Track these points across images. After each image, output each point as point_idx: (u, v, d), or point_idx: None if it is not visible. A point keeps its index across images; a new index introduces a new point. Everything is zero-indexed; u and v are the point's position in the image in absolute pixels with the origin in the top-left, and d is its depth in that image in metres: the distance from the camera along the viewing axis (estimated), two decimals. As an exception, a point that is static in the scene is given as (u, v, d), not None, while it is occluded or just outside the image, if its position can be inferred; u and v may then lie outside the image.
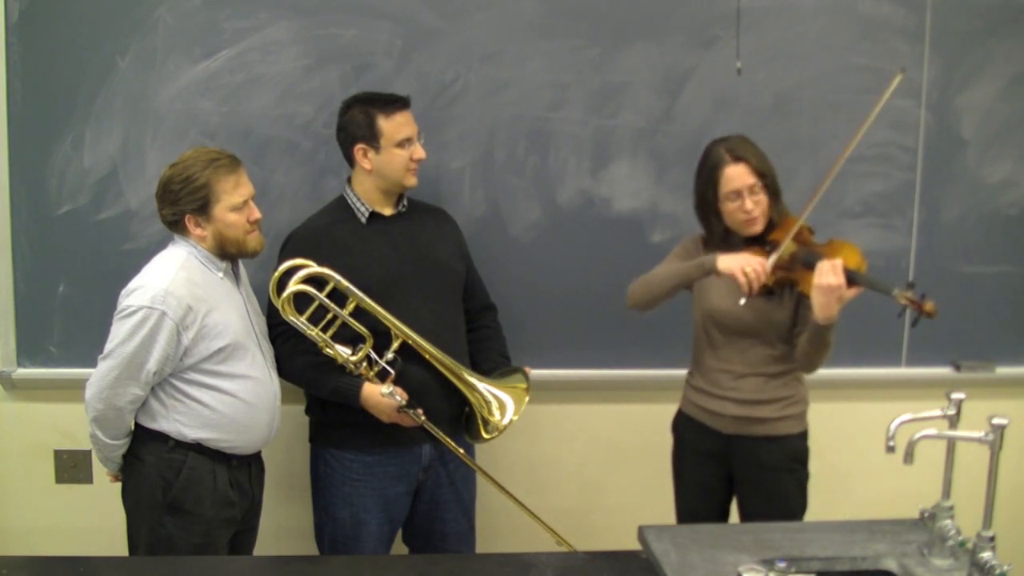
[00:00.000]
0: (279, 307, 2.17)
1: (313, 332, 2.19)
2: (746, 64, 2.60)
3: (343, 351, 2.21)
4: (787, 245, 2.17)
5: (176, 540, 2.09)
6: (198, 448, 2.11)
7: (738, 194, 2.19)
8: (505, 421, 2.26)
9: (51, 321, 2.61)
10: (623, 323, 2.58)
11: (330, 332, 2.20)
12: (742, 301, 2.13)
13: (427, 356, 2.25)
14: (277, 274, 2.19)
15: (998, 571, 1.52)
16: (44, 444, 2.70)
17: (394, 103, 2.28)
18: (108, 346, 2.04)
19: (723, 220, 2.25)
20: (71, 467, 2.71)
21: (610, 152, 2.68)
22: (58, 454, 2.71)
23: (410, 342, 2.23)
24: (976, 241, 2.82)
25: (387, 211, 2.37)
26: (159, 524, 2.09)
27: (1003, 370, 2.88)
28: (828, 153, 2.72)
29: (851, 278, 2.04)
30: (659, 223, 2.70)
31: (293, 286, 2.16)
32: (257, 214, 2.16)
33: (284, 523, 2.67)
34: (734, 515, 2.43)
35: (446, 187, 2.64)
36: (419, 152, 2.31)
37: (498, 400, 2.28)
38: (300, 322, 2.18)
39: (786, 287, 2.22)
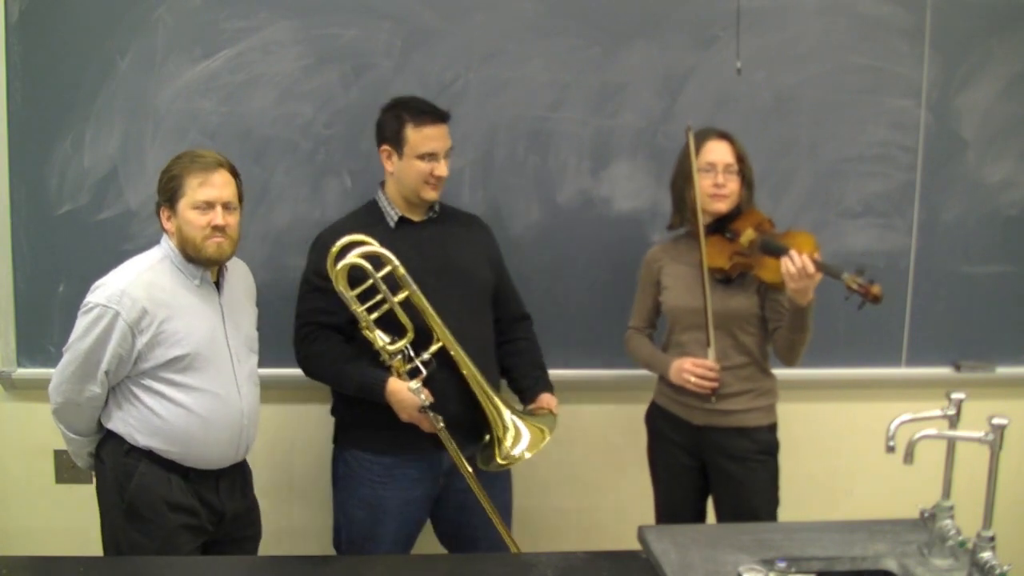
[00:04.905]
0: (332, 278, 2.11)
1: (359, 309, 2.13)
2: (746, 64, 2.60)
3: (382, 336, 2.16)
4: (747, 234, 2.27)
5: (137, 545, 2.02)
6: (150, 455, 2.04)
7: (712, 166, 2.28)
8: (516, 452, 2.21)
9: (51, 321, 2.60)
10: (622, 323, 2.57)
11: (375, 315, 2.15)
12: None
13: (463, 369, 2.21)
14: (336, 247, 2.11)
15: (998, 571, 1.52)
16: (44, 444, 2.70)
17: (426, 114, 2.25)
18: (69, 340, 2.03)
19: (693, 194, 2.29)
20: (71, 467, 2.70)
21: (610, 152, 2.68)
22: (58, 454, 2.71)
23: (451, 352, 2.19)
24: (976, 241, 2.82)
25: (416, 217, 2.34)
26: (120, 528, 2.04)
27: (1003, 370, 2.88)
28: (828, 153, 2.73)
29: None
30: (659, 223, 2.69)
31: (352, 259, 2.10)
32: (220, 221, 2.03)
33: (285, 523, 2.67)
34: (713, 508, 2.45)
35: (446, 187, 2.61)
36: (441, 169, 2.27)
37: (516, 430, 2.23)
38: (349, 296, 2.13)
39: (743, 274, 2.29)
